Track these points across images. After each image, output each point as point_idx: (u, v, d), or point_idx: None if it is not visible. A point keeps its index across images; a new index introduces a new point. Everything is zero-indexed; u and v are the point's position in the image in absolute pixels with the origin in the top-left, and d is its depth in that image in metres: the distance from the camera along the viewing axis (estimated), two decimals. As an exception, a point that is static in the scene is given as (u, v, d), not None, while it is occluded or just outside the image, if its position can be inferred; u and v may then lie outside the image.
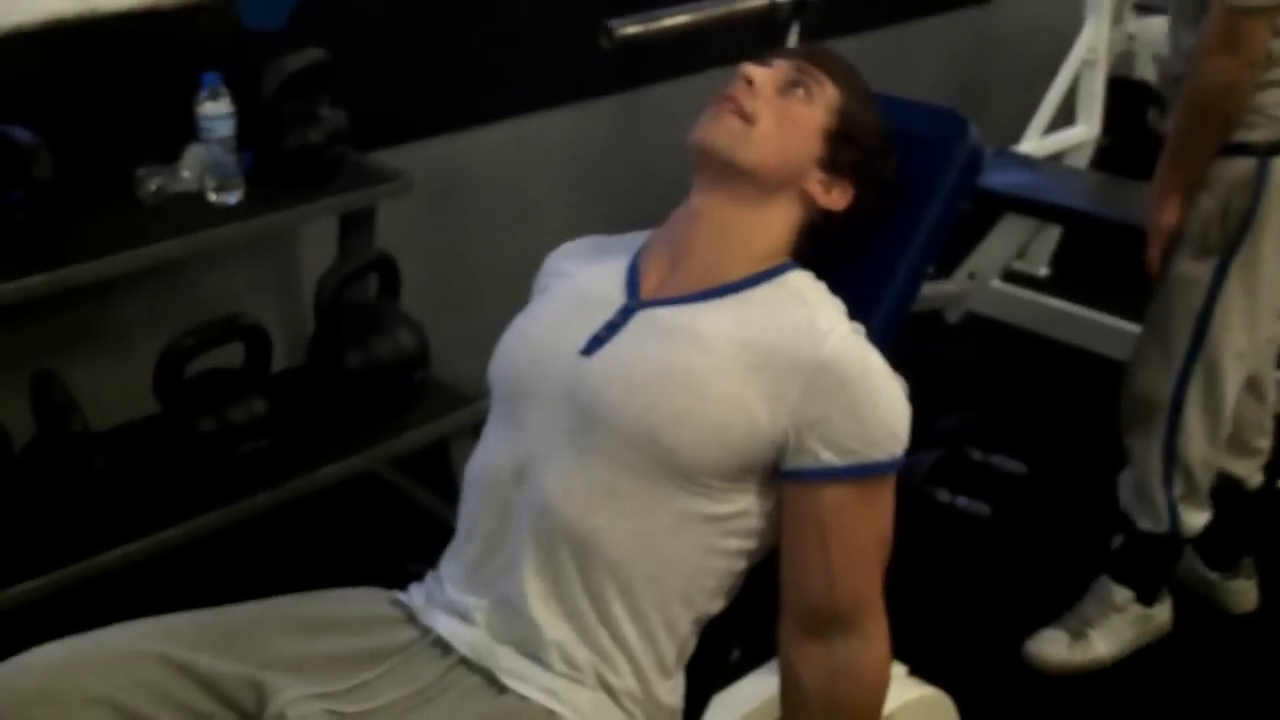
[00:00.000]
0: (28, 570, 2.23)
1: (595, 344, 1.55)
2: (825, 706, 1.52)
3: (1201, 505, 2.55)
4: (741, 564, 1.57)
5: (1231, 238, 2.35)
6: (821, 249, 1.64)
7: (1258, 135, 2.29)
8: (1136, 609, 2.61)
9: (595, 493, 1.49)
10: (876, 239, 1.68)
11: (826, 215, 1.63)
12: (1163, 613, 2.64)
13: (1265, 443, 2.69)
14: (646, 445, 1.47)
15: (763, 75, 1.61)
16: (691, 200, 1.63)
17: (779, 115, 1.60)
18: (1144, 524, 2.55)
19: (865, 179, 1.64)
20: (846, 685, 1.52)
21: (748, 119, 1.58)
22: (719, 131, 1.58)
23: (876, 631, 1.53)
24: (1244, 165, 2.30)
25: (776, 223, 1.61)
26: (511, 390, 1.60)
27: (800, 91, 1.62)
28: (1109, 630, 2.60)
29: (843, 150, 1.62)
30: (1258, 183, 2.31)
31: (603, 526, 1.48)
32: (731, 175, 1.58)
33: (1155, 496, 2.53)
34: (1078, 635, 2.60)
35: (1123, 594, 2.61)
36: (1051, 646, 2.60)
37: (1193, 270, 2.39)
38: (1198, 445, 2.49)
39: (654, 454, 1.47)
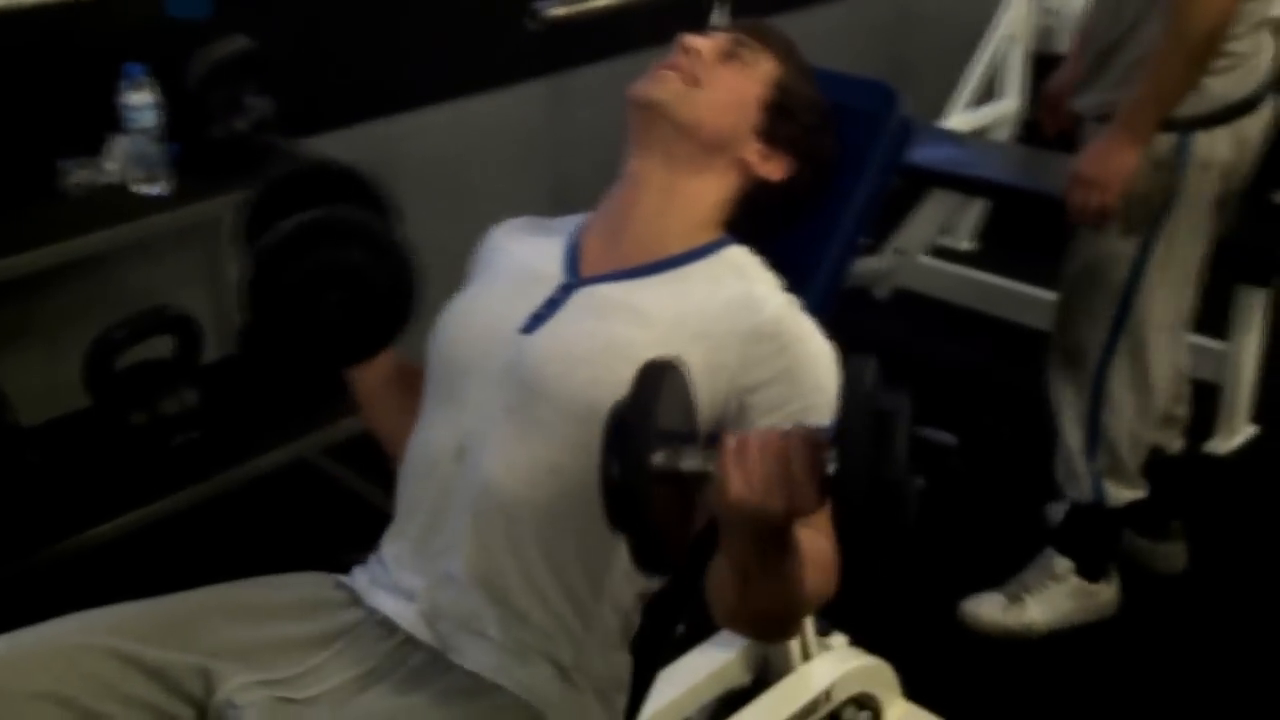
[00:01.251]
0: (-38, 568, 2.21)
1: (536, 321, 1.55)
2: None
3: (1129, 482, 2.59)
4: None
5: (1155, 214, 2.38)
6: (757, 220, 1.65)
7: (1181, 110, 2.30)
8: (1076, 581, 2.64)
9: (537, 468, 1.49)
10: (811, 211, 1.69)
11: (763, 185, 1.64)
12: (1106, 592, 2.68)
13: (1183, 410, 2.74)
14: (588, 419, 1.47)
15: (703, 43, 1.62)
16: (628, 166, 1.64)
17: (718, 81, 1.61)
18: (1072, 493, 2.62)
19: (803, 154, 1.65)
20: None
21: (691, 80, 1.60)
22: (659, 87, 1.60)
23: (823, 528, 1.40)
24: (1166, 141, 2.32)
25: (713, 190, 1.62)
26: (451, 369, 1.60)
27: (738, 62, 1.63)
28: (1045, 598, 2.64)
29: (780, 123, 1.64)
30: (1179, 158, 2.33)
31: (544, 502, 1.49)
32: (669, 131, 1.59)
33: (1078, 467, 2.58)
34: (1014, 599, 2.65)
35: (1063, 564, 2.65)
36: (987, 607, 2.66)
37: (1116, 247, 2.42)
38: (1124, 420, 2.53)
39: (596, 427, 1.47)
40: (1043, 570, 2.66)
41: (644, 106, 1.61)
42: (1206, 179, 2.36)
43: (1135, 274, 2.42)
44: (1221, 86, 2.30)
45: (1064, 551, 2.66)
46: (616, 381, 1.46)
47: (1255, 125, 2.38)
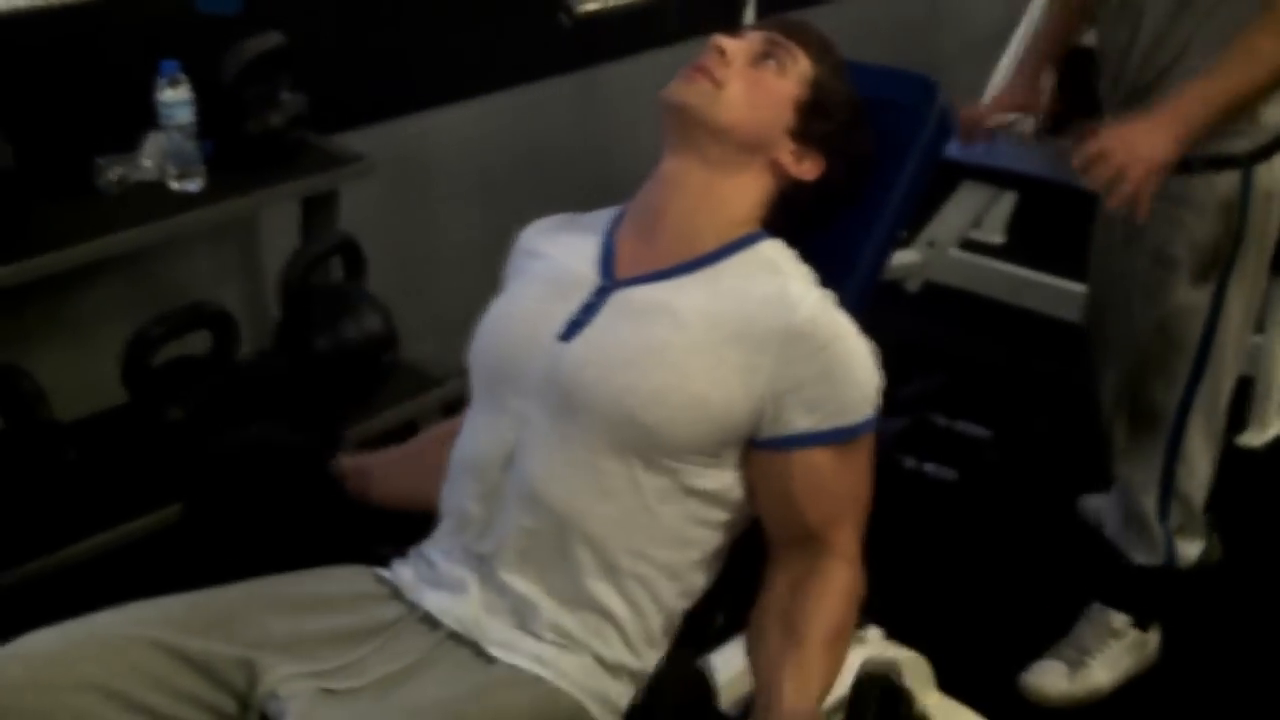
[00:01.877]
0: (1, 562, 2.22)
1: (573, 328, 1.56)
2: (787, 612, 1.51)
3: (1197, 533, 2.47)
4: (725, 535, 1.59)
5: (1227, 257, 2.25)
6: (792, 219, 1.65)
7: (1242, 145, 2.18)
8: (1134, 634, 2.53)
9: (580, 475, 1.50)
10: (848, 205, 1.69)
11: (797, 185, 1.64)
12: (1155, 637, 2.57)
13: None
14: (626, 426, 1.49)
15: (734, 46, 1.62)
16: (662, 165, 1.64)
17: (750, 84, 1.61)
18: (1138, 557, 2.48)
19: (837, 151, 1.65)
20: (814, 581, 1.51)
21: (717, 84, 1.59)
22: (689, 91, 1.59)
23: (850, 555, 1.54)
24: (1230, 180, 2.20)
25: (748, 190, 1.62)
26: (493, 377, 1.61)
27: (772, 63, 1.62)
28: (1108, 658, 2.51)
29: (815, 122, 1.63)
30: (1244, 194, 2.21)
31: (588, 507, 1.50)
32: (702, 135, 1.59)
33: (1152, 530, 2.44)
34: (1076, 665, 2.50)
35: (1120, 619, 2.52)
36: (1051, 679, 2.50)
37: (1189, 300, 2.27)
38: (1200, 472, 2.41)
39: (634, 434, 1.49)
40: (1100, 628, 2.52)
41: (675, 111, 1.61)
42: (1271, 210, 2.25)
43: (1211, 325, 2.28)
44: (1273, 115, 2.18)
45: (1120, 607, 2.53)
46: (652, 387, 1.47)
47: None
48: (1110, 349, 2.47)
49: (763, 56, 1.63)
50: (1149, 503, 2.42)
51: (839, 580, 1.53)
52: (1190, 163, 2.14)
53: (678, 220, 1.61)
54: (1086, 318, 2.57)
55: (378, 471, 1.83)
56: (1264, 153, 2.20)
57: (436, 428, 1.84)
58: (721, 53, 1.60)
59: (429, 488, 1.67)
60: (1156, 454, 2.39)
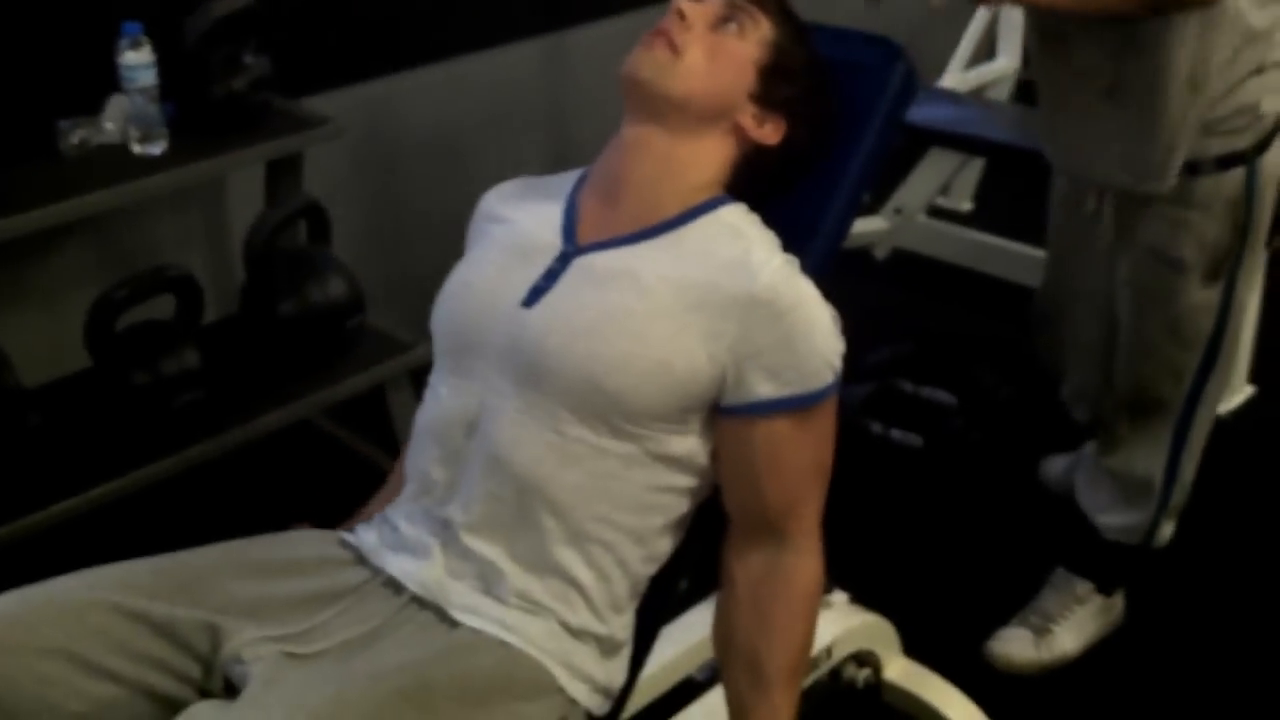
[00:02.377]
0: (-36, 528, 2.21)
1: (535, 294, 1.55)
2: (752, 607, 1.56)
3: (1176, 514, 2.48)
4: (690, 501, 1.59)
5: (1236, 252, 2.23)
6: (755, 183, 1.65)
7: (1246, 140, 2.14)
8: (1099, 600, 2.54)
9: (544, 441, 1.50)
10: (811, 169, 1.69)
11: (759, 149, 1.63)
12: (1119, 601, 2.59)
13: None
14: (589, 392, 1.49)
15: (694, 9, 1.60)
16: (624, 132, 1.63)
17: (709, 48, 1.59)
18: (1113, 534, 2.48)
19: (799, 115, 1.64)
20: (774, 590, 1.55)
21: (676, 51, 1.58)
22: (647, 63, 1.58)
23: (809, 545, 1.57)
24: (1236, 177, 2.16)
25: (709, 155, 1.62)
26: (456, 344, 1.60)
27: (734, 26, 1.61)
28: (1073, 624, 2.53)
29: (776, 85, 1.62)
30: (1250, 188, 2.18)
31: (552, 473, 1.50)
32: (661, 106, 1.58)
33: (1140, 515, 2.45)
34: (1041, 632, 2.52)
35: (1084, 586, 2.54)
36: (1017, 646, 2.51)
37: (1202, 298, 2.24)
38: (1197, 455, 2.42)
39: (598, 400, 1.49)
40: (1064, 595, 2.54)
41: (633, 83, 1.59)
42: (1271, 193, 2.23)
43: (1222, 320, 2.27)
44: (1273, 103, 2.14)
45: (1085, 574, 2.54)
46: (615, 354, 1.47)
47: None
48: (1081, 343, 2.48)
49: (723, 20, 1.61)
50: (1153, 487, 2.41)
51: (800, 584, 1.56)
52: (1197, 166, 2.14)
53: (640, 186, 1.60)
54: (1044, 304, 2.57)
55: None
56: (1266, 143, 2.17)
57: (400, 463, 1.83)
58: (681, 16, 1.59)
59: None
60: (1163, 443, 2.38)
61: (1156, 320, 2.29)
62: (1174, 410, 2.36)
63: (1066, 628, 2.53)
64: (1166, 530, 2.48)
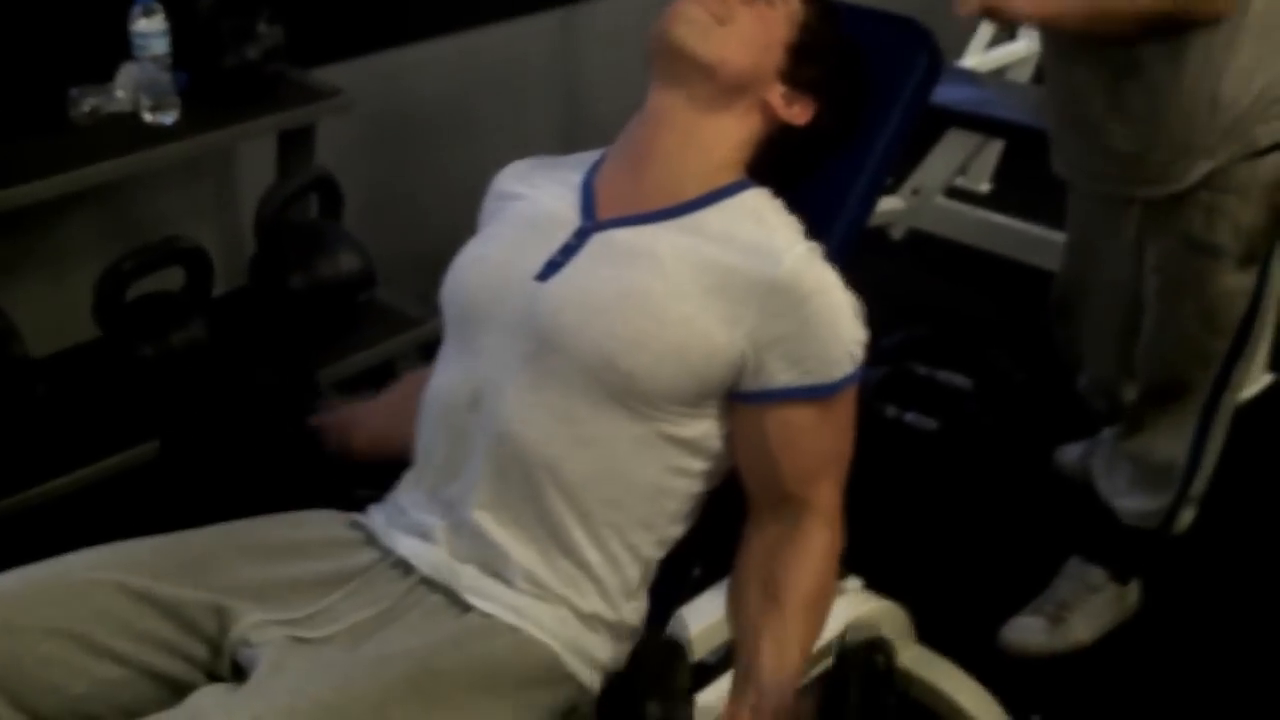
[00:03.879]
0: (-31, 499, 2.19)
1: (551, 268, 1.52)
2: (769, 562, 1.52)
3: (1195, 501, 2.47)
4: (703, 485, 1.57)
5: (1272, 237, 2.22)
6: (779, 165, 1.62)
7: None
8: (1113, 588, 2.52)
9: (554, 419, 1.48)
10: (837, 152, 1.66)
11: (786, 130, 1.60)
12: (1134, 589, 2.57)
13: None
14: (604, 371, 1.46)
15: None
16: (649, 103, 1.59)
17: (745, 20, 1.55)
18: (1131, 519, 2.47)
19: (827, 97, 1.61)
20: (793, 548, 1.52)
21: (715, 16, 1.54)
22: (684, 21, 1.54)
23: (828, 516, 1.54)
24: (1274, 160, 2.14)
25: (734, 131, 1.58)
26: (466, 316, 1.58)
27: (763, 2, 1.57)
28: (1088, 612, 2.51)
29: (805, 66, 1.59)
30: None
31: (562, 454, 1.48)
32: (691, 70, 1.55)
33: (1161, 499, 2.44)
34: (1056, 620, 2.50)
35: (1098, 574, 2.52)
36: (1032, 634, 2.50)
37: (1235, 284, 2.23)
38: (1219, 442, 2.41)
39: (612, 379, 1.46)
40: (1078, 584, 2.52)
41: (667, 44, 1.55)
42: None
43: (1254, 305, 2.25)
44: None
45: (1100, 562, 2.53)
46: (633, 334, 1.45)
47: None
48: (1101, 332, 2.47)
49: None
50: (1175, 471, 2.40)
51: (818, 542, 1.52)
52: (1235, 155, 2.12)
53: (663, 161, 1.57)
54: (1063, 293, 2.55)
55: (358, 423, 1.80)
56: None
57: (415, 374, 1.80)
58: None
59: (410, 435, 1.63)
60: (1188, 427, 2.37)
61: (1189, 306, 2.27)
62: (1200, 395, 2.34)
63: (1081, 616, 2.50)
64: (1186, 517, 2.46)
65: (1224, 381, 2.32)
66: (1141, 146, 2.16)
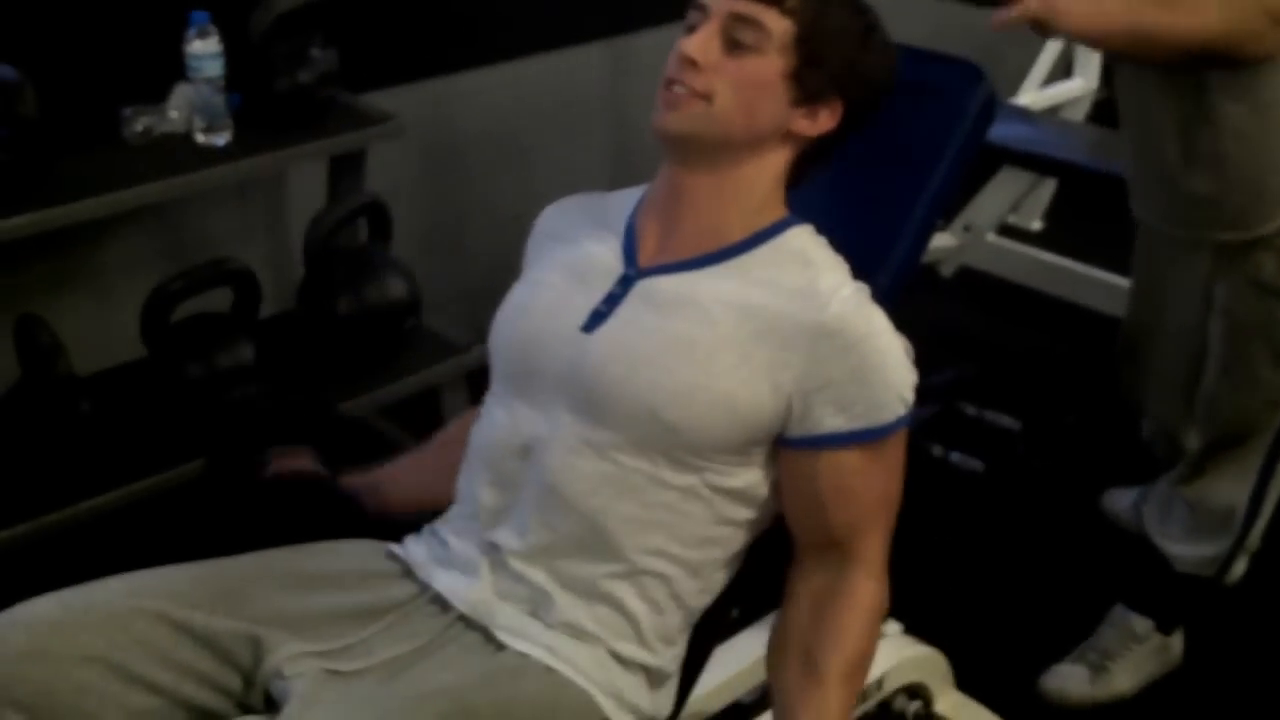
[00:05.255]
0: (13, 516, 2.20)
1: (596, 319, 1.51)
2: (813, 612, 1.51)
3: (1251, 552, 2.43)
4: (749, 534, 1.55)
5: None
6: (817, 163, 1.58)
7: None
8: (1157, 639, 2.47)
9: (601, 471, 1.46)
10: (886, 194, 1.64)
11: (820, 139, 1.55)
12: (1178, 641, 2.51)
13: None
14: (649, 423, 1.44)
15: (701, 48, 1.47)
16: (672, 176, 1.55)
17: (734, 80, 1.47)
18: (1186, 566, 2.42)
19: (849, 83, 1.52)
20: (837, 600, 1.50)
21: (704, 97, 1.47)
22: (677, 117, 1.48)
23: (875, 568, 1.52)
24: None
25: (768, 170, 1.54)
26: (514, 367, 1.56)
27: (743, 49, 1.47)
28: (1130, 663, 2.46)
29: (814, 75, 1.49)
30: None
31: (606, 505, 1.46)
32: (702, 151, 1.51)
33: (1218, 545, 2.40)
34: (1098, 670, 2.45)
35: (1143, 624, 2.47)
36: (1073, 684, 2.45)
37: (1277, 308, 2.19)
38: (1278, 491, 2.38)
39: (658, 431, 1.45)
40: (1122, 633, 2.47)
41: (670, 137, 1.51)
42: None
43: None
44: None
45: (1145, 611, 2.48)
46: (677, 385, 1.43)
47: None
48: (1166, 378, 2.42)
49: (733, 46, 1.47)
50: (1234, 518, 2.37)
51: (863, 600, 1.51)
52: None
53: (698, 216, 1.53)
54: (1129, 337, 2.50)
55: (389, 483, 1.79)
56: None
57: (444, 432, 1.81)
58: (693, 63, 1.47)
59: (444, 490, 1.63)
60: (1249, 473, 2.34)
61: (1259, 350, 2.24)
62: (1264, 440, 2.32)
63: (1123, 666, 2.46)
64: (1240, 566, 2.42)
65: None
66: (1217, 190, 2.13)
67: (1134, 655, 2.47)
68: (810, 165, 1.58)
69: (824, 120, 1.53)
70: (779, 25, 1.47)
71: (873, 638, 1.53)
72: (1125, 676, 2.46)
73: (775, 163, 1.55)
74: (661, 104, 1.50)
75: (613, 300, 1.52)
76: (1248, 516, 2.36)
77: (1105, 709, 2.44)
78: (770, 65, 1.48)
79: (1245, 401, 2.29)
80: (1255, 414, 2.30)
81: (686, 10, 1.52)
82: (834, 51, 1.50)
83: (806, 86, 1.50)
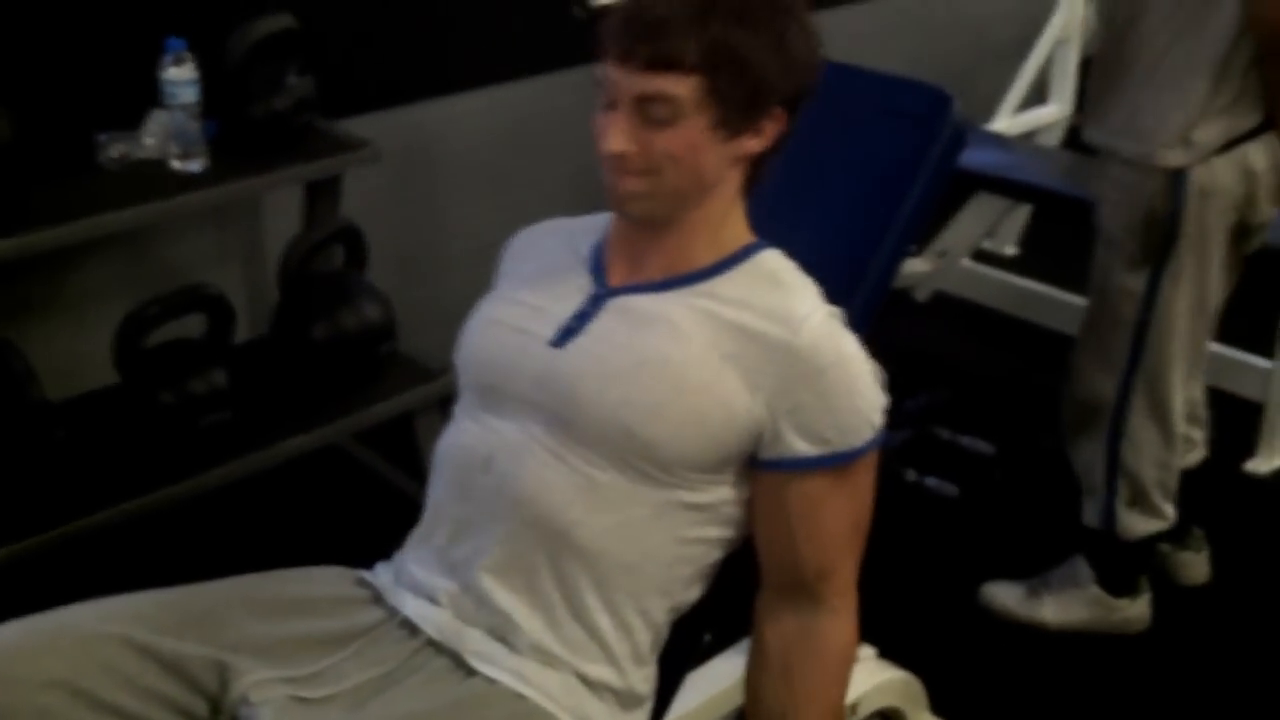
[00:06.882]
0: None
1: (566, 335, 1.51)
2: (784, 671, 1.52)
3: (1152, 512, 2.55)
4: (719, 552, 1.55)
5: (1159, 250, 2.34)
6: (771, 160, 1.55)
7: (1176, 158, 2.28)
8: (1096, 591, 2.61)
9: (571, 485, 1.47)
10: (858, 220, 1.65)
11: (774, 145, 1.52)
12: (1131, 609, 2.62)
13: (1198, 433, 2.69)
14: (623, 439, 1.45)
15: (622, 140, 1.45)
16: (634, 227, 1.54)
17: (667, 152, 1.44)
18: (1088, 519, 2.60)
19: (781, 89, 1.47)
20: (806, 654, 1.52)
21: (651, 173, 1.46)
22: (628, 198, 1.48)
23: (844, 607, 1.53)
24: (1162, 173, 2.30)
25: (727, 193, 1.52)
26: (480, 380, 1.57)
27: (660, 124, 1.44)
28: (1063, 601, 2.62)
29: (742, 106, 1.45)
30: (1175, 192, 2.30)
31: (579, 519, 1.46)
32: (663, 221, 1.51)
33: (1096, 495, 2.57)
34: (1033, 593, 2.64)
35: (1087, 572, 2.62)
36: (1004, 594, 2.66)
37: (1127, 282, 2.40)
38: (1147, 451, 2.50)
39: (631, 447, 1.45)
40: (1068, 573, 2.64)
41: (633, 218, 1.52)
42: (1211, 209, 2.31)
43: (1146, 309, 2.39)
44: (1206, 135, 2.28)
45: (1090, 562, 2.62)
46: (650, 401, 1.43)
47: (1261, 154, 2.31)
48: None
49: (652, 124, 1.44)
50: (1097, 472, 2.55)
51: (834, 647, 1.53)
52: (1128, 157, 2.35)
53: (666, 251, 1.53)
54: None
55: None
56: (1196, 163, 2.30)
57: None
58: (621, 158, 1.45)
59: None
60: (1099, 436, 2.53)
61: (1092, 297, 2.51)
62: (1109, 402, 2.49)
63: (1054, 600, 2.63)
64: (1133, 522, 2.55)
65: (1127, 388, 2.46)
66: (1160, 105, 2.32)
67: (1067, 596, 2.63)
68: (765, 166, 1.55)
69: (770, 131, 1.50)
70: (685, 87, 1.42)
71: (845, 680, 1.56)
72: (1052, 610, 2.63)
73: (731, 184, 1.53)
74: (611, 184, 1.49)
75: (583, 317, 1.52)
76: (1109, 474, 2.53)
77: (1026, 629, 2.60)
78: (694, 126, 1.44)
79: (1083, 357, 2.55)
80: (1093, 376, 2.52)
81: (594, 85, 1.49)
82: (754, 75, 1.44)
83: (740, 119, 1.46)
